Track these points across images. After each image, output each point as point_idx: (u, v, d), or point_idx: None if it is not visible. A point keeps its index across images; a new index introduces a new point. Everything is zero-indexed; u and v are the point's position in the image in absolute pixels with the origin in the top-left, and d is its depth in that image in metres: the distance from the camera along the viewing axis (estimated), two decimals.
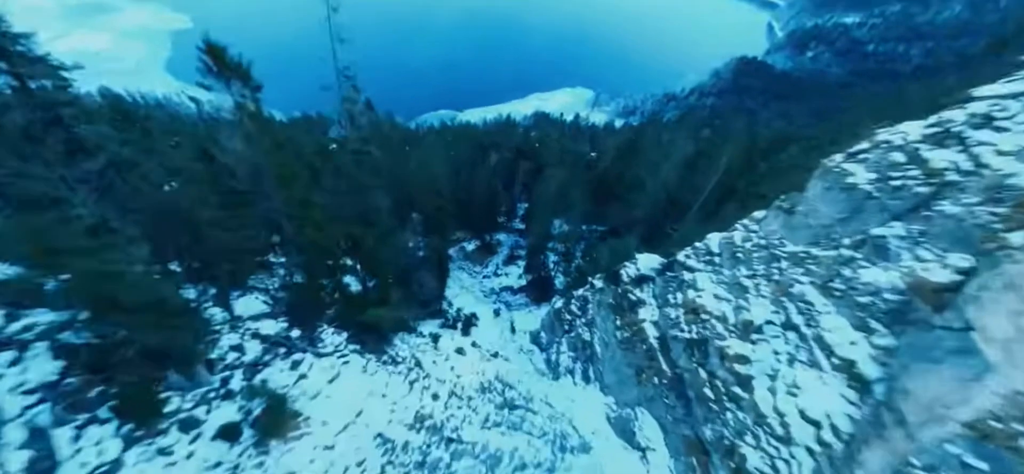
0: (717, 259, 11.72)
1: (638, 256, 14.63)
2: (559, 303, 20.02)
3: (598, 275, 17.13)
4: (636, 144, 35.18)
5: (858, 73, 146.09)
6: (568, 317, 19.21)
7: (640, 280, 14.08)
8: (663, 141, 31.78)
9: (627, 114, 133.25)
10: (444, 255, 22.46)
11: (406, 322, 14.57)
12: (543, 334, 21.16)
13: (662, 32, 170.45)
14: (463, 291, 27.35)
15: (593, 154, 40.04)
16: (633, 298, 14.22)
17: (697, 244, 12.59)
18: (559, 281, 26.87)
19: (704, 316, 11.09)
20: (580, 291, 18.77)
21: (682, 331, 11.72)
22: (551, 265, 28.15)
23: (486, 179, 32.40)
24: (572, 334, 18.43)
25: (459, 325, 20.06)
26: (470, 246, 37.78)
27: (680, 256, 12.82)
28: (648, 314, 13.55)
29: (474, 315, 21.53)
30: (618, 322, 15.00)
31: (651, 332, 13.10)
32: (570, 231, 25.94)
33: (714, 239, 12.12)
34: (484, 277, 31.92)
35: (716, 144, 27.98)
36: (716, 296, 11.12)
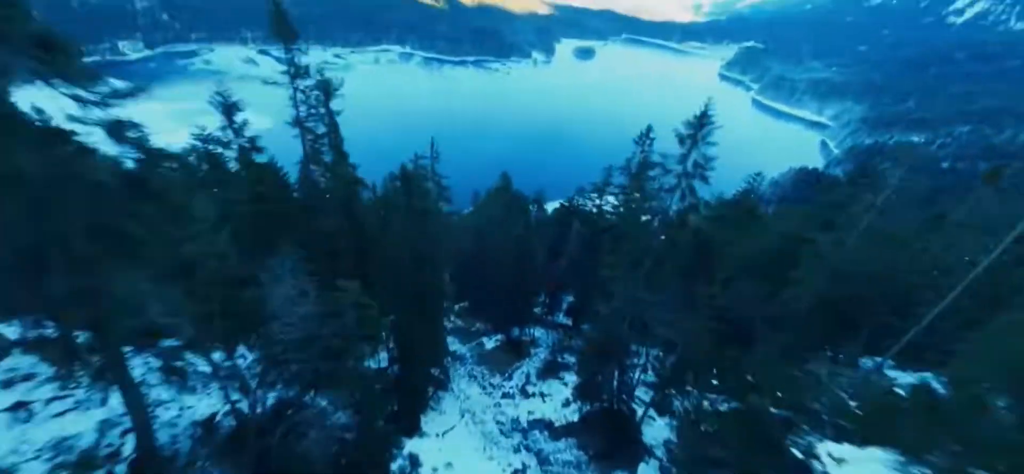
0: None
1: None
2: None
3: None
4: (741, 205, 23.98)
5: (937, 189, 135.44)
6: None
7: None
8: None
9: None
10: (429, 347, 10.79)
11: None
12: None
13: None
14: (462, 422, 14.81)
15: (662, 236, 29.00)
16: None
17: None
18: (656, 428, 13.58)
19: None
20: None
21: None
22: (632, 384, 14.99)
23: (519, 239, 21.74)
24: None
25: None
26: (490, 342, 25.74)
27: None
28: None
29: None
30: None
31: None
32: (677, 321, 12.87)
33: None
34: (504, 395, 19.30)
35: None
36: None
